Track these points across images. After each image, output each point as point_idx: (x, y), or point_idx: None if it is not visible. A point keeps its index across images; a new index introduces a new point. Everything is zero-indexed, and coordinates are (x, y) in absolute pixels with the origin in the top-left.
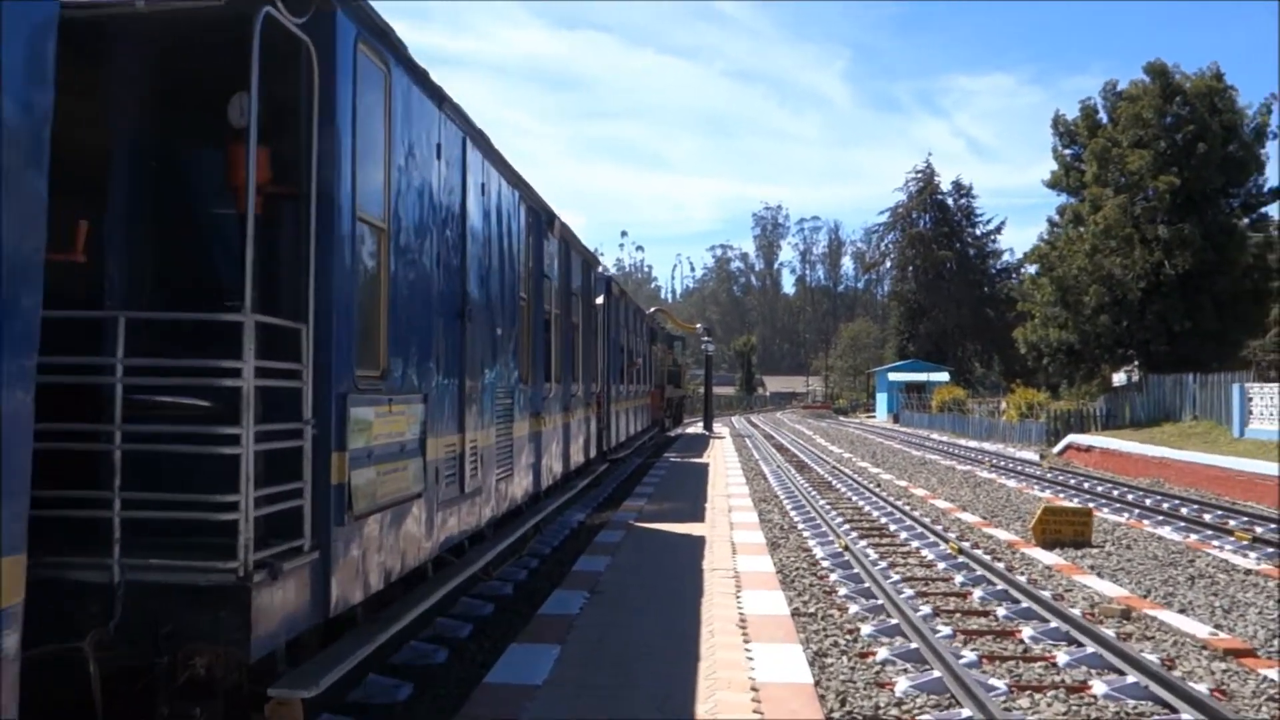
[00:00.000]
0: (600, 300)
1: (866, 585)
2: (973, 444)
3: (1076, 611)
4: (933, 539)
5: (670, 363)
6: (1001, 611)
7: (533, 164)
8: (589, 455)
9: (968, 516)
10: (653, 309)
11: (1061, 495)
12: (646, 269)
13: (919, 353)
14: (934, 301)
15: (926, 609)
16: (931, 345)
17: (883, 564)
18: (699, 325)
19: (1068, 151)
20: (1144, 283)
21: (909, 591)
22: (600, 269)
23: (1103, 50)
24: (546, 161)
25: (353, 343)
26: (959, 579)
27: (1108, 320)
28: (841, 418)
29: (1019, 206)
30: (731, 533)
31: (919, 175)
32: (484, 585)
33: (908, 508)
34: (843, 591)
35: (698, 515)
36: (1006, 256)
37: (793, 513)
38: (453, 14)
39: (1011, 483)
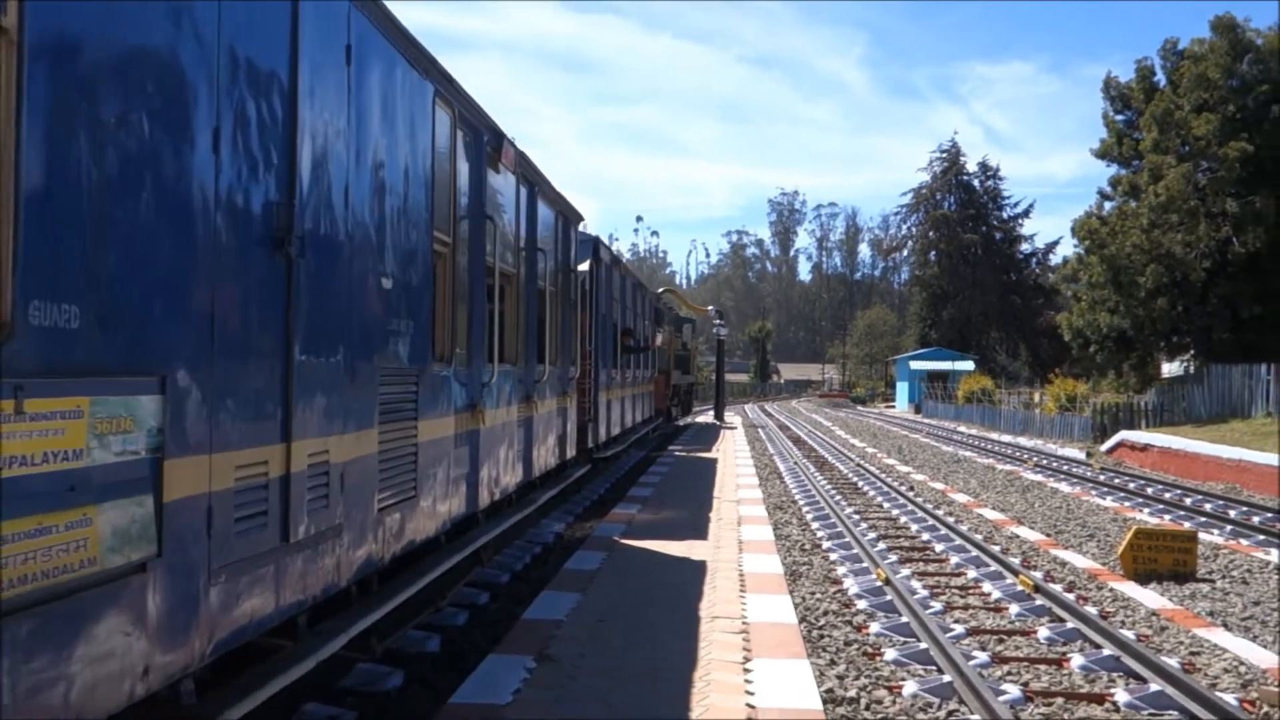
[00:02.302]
0: (585, 266)
1: (924, 647)
2: (1006, 439)
3: (1231, 699)
4: (993, 566)
5: (679, 347)
6: (1123, 698)
7: (544, 148)
8: (564, 456)
9: (1026, 533)
10: (661, 289)
11: (1128, 504)
12: (661, 254)
13: (941, 340)
14: (958, 287)
15: (1014, 690)
16: (955, 333)
17: (936, 604)
18: (710, 307)
19: (1120, 117)
20: (1208, 262)
21: (982, 656)
22: (584, 226)
23: (1121, 39)
24: (559, 146)
25: None
26: (1044, 634)
27: (1165, 304)
28: (860, 407)
29: (1037, 196)
30: (740, 556)
31: (944, 155)
32: (361, 668)
33: (951, 519)
34: (891, 657)
35: (700, 529)
36: (1039, 240)
37: (815, 525)
38: None
39: (1064, 486)
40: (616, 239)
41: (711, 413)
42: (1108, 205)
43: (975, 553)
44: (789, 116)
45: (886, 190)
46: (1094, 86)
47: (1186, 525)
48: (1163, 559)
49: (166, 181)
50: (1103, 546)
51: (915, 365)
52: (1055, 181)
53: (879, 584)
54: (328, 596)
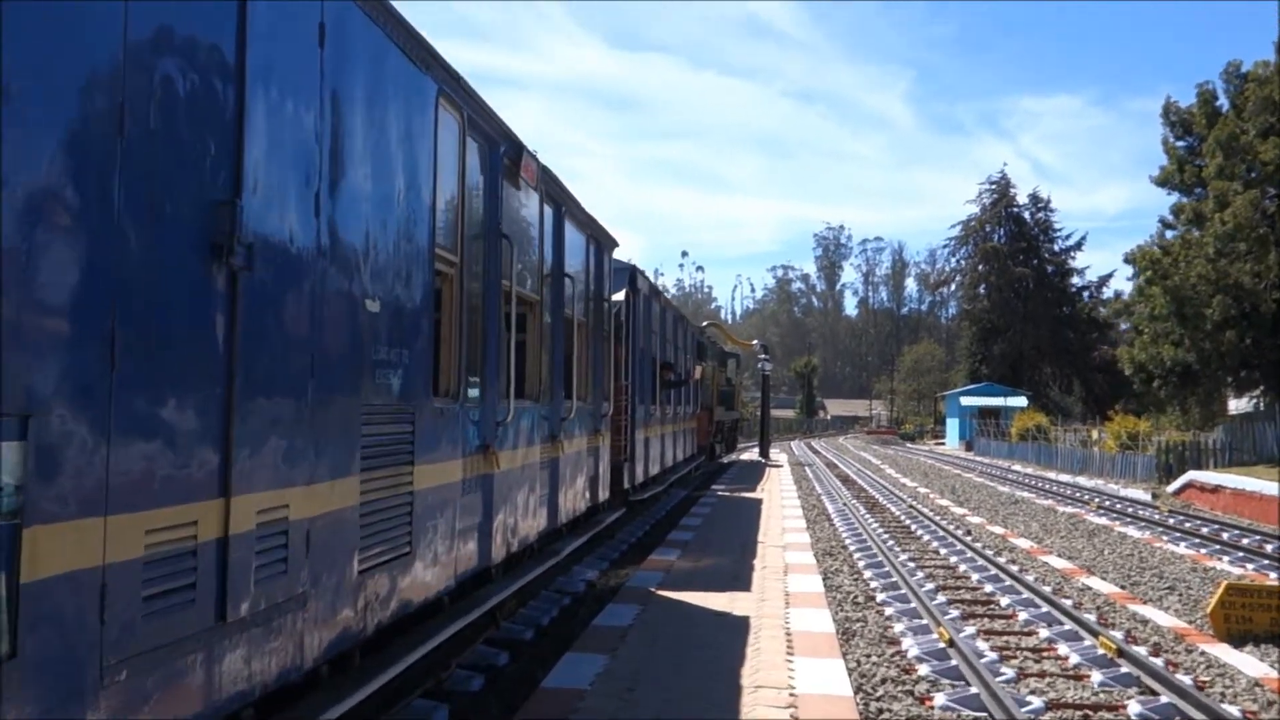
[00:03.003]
0: (620, 296)
1: None
2: (1065, 478)
3: None
4: (1067, 624)
5: (722, 382)
6: None
7: (590, 185)
8: (596, 499)
9: (1098, 584)
10: (705, 323)
11: (1204, 551)
12: (707, 289)
13: (993, 375)
14: (1009, 321)
15: None
16: (1006, 368)
17: (1007, 670)
18: (755, 342)
19: (1180, 144)
20: (1279, 293)
21: None
22: (622, 254)
23: (1168, 72)
24: (605, 182)
25: None
26: (1135, 709)
27: (1233, 336)
28: (909, 444)
29: (1086, 230)
30: (787, 610)
31: (994, 186)
32: None
33: (1015, 568)
34: None
35: (743, 578)
36: (1089, 274)
37: (867, 573)
38: (511, 32)
39: (1132, 531)
40: (662, 274)
41: (756, 450)
42: (1169, 234)
43: (1045, 608)
44: (833, 151)
45: (932, 225)
46: (1142, 120)
47: (1273, 576)
48: (1258, 618)
49: (40, 163)
50: (1185, 601)
51: (966, 401)
52: (1103, 215)
53: (941, 645)
54: (286, 682)
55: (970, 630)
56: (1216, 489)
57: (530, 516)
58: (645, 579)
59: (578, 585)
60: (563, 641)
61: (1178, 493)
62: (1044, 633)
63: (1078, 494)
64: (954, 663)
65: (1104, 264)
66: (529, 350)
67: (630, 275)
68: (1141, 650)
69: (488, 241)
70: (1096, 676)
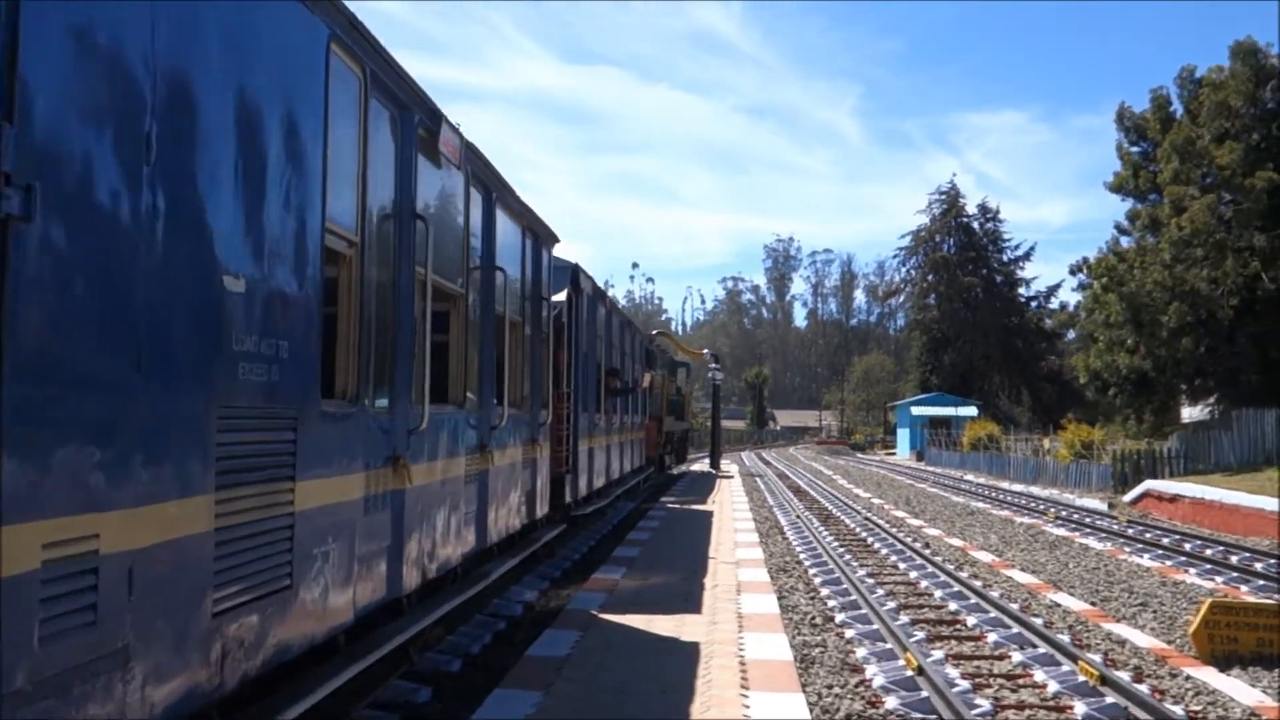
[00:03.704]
0: (561, 296)
1: None
2: (1018, 488)
3: None
4: (1041, 646)
5: (672, 392)
6: None
7: (544, 197)
8: (534, 515)
9: (1067, 600)
10: (655, 331)
11: (1170, 563)
12: (657, 301)
13: (943, 385)
14: (959, 331)
15: None
16: (957, 377)
17: (982, 702)
18: (706, 351)
19: (1135, 149)
20: (1236, 299)
21: None
22: (556, 249)
23: (1112, 89)
24: (556, 194)
25: None
26: None
27: (1189, 343)
28: (860, 454)
29: (1035, 242)
30: (740, 636)
31: (943, 196)
32: None
33: (979, 584)
34: None
35: (693, 599)
36: (1036, 285)
37: (825, 591)
38: (464, 46)
39: (1094, 542)
40: (613, 285)
41: (707, 461)
42: (1124, 240)
43: (1016, 628)
44: (784, 166)
45: (881, 238)
46: (1085, 136)
47: (1245, 590)
48: (1244, 638)
49: None
50: (1161, 619)
51: (917, 411)
52: (1048, 228)
53: (909, 673)
54: None
55: (938, 654)
56: (1175, 498)
57: (453, 537)
58: (587, 600)
59: (514, 608)
60: (494, 673)
61: (1134, 502)
62: (1017, 656)
63: (1033, 504)
64: (924, 694)
65: (1050, 276)
66: (452, 349)
67: (572, 274)
68: (1124, 675)
69: (399, 223)
70: (1080, 708)
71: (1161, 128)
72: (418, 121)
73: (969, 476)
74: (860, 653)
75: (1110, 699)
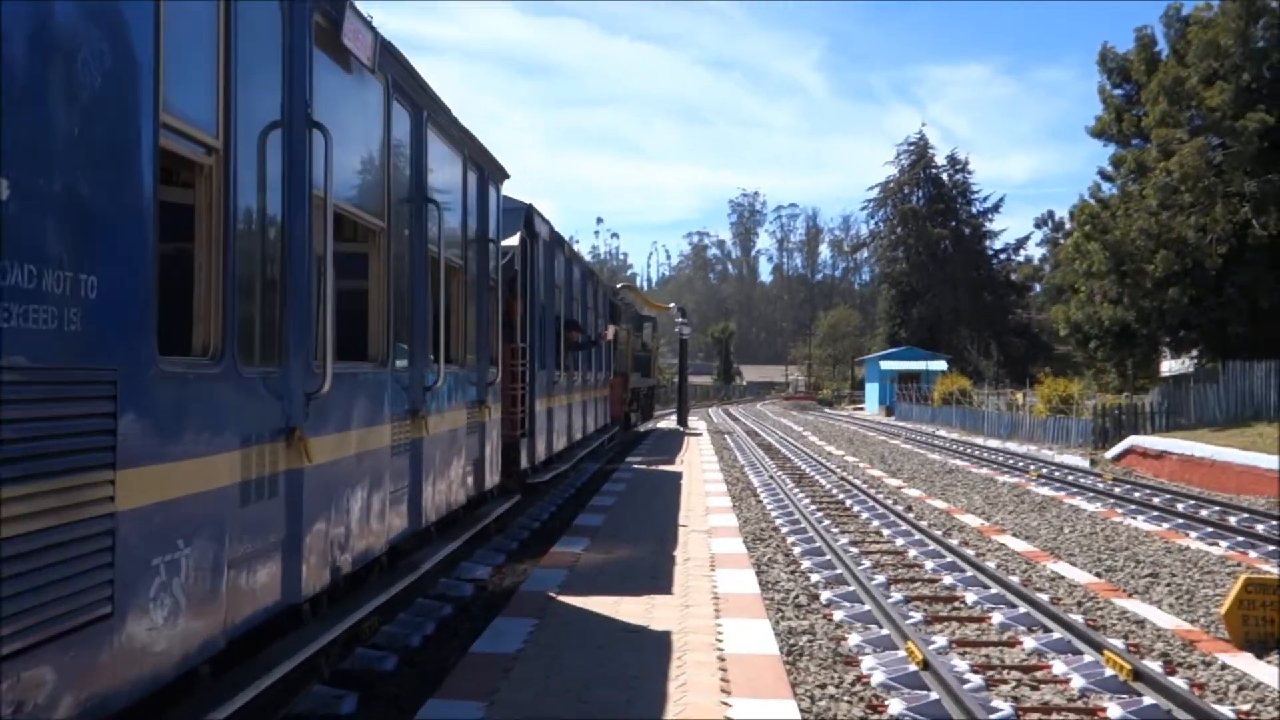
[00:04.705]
0: (514, 241)
1: None
2: (993, 444)
3: None
4: (1056, 631)
5: (638, 347)
6: None
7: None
8: (483, 486)
9: (1069, 571)
10: (620, 284)
11: (1168, 526)
12: (622, 256)
13: (912, 339)
14: (928, 284)
15: None
16: (925, 331)
17: (1002, 705)
18: (672, 305)
19: (1118, 91)
20: (1224, 248)
21: None
22: (507, 188)
23: (1075, 42)
24: (520, 148)
25: None
26: None
27: (1176, 294)
28: (828, 410)
29: (1003, 194)
30: (718, 622)
31: (912, 148)
32: None
33: (972, 553)
34: None
35: (663, 576)
36: (1004, 238)
37: (805, 563)
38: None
39: (1083, 503)
40: (577, 240)
41: (674, 418)
42: (1106, 187)
43: (1022, 606)
44: (748, 119)
45: (846, 192)
46: (1049, 90)
47: (1254, 555)
48: None
49: None
50: (1177, 594)
51: (886, 365)
52: (1011, 183)
53: (912, 667)
54: None
55: (940, 641)
56: (1161, 455)
57: (373, 523)
58: (545, 579)
59: (463, 589)
60: (432, 676)
61: (1117, 458)
62: (1029, 642)
63: (1012, 461)
64: (933, 695)
65: (1014, 231)
66: (372, 297)
67: (526, 216)
68: (1155, 666)
69: (288, 132)
70: (1114, 711)
71: (1146, 69)
72: (311, 6)
73: (941, 432)
74: (853, 640)
75: (1148, 699)
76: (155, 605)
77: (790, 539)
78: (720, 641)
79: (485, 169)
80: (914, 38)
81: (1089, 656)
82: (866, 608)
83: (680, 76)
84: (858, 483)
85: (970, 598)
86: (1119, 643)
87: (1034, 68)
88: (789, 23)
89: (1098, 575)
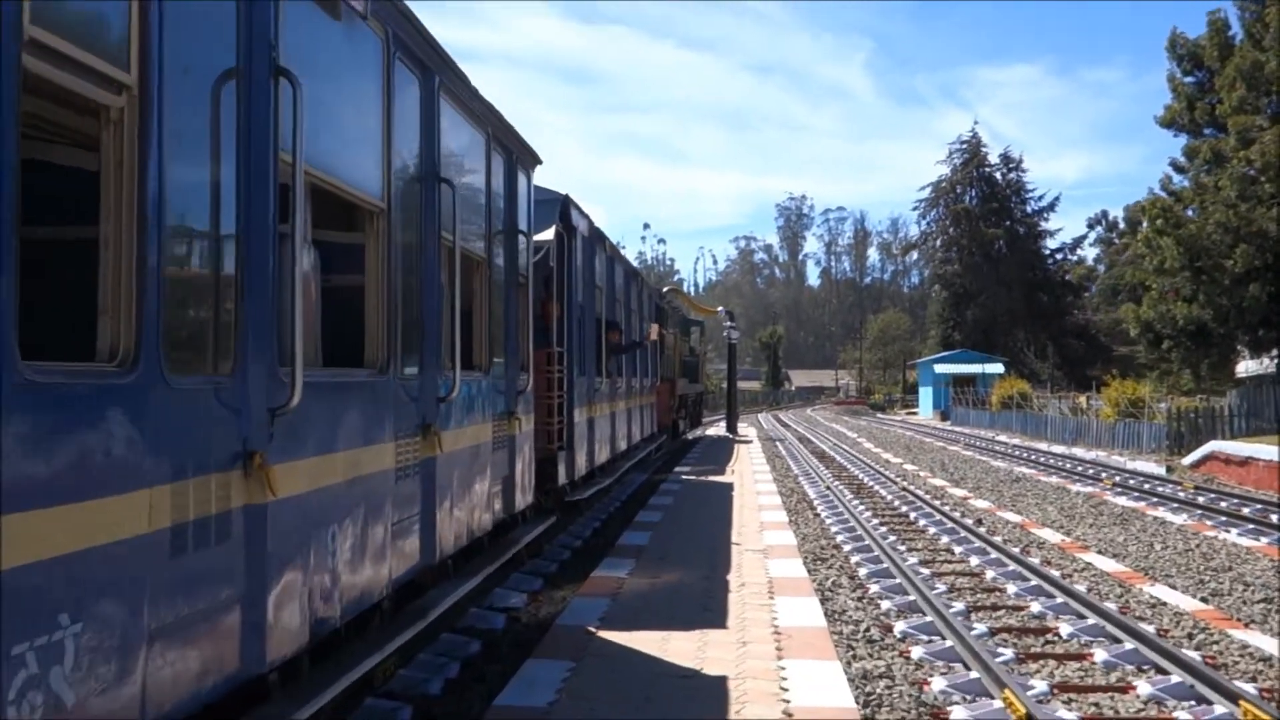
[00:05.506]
0: (548, 235)
1: None
2: (1059, 449)
3: None
4: (1174, 675)
5: (685, 352)
6: None
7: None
8: (513, 508)
9: (1169, 595)
10: (665, 287)
11: (1268, 541)
12: (669, 262)
13: (966, 342)
14: (982, 285)
15: None
16: (979, 333)
17: None
18: (720, 308)
19: (1189, 80)
20: None
21: None
22: (539, 177)
23: (1125, 42)
24: (564, 155)
25: None
26: None
27: (1256, 290)
28: (879, 415)
29: (1059, 192)
30: (780, 665)
31: (964, 146)
32: None
33: (1058, 574)
34: None
35: (715, 605)
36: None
37: (874, 589)
38: (467, 9)
39: (1169, 515)
40: (624, 247)
41: (723, 424)
42: (1177, 179)
43: (1130, 642)
44: (793, 124)
45: (893, 196)
46: (1098, 90)
47: None
48: None
49: None
50: None
51: (940, 369)
52: (1062, 183)
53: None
54: None
55: (1039, 686)
56: (1246, 461)
57: (368, 564)
58: (584, 610)
59: (494, 620)
60: None
61: (1196, 465)
62: (1144, 687)
63: (1081, 468)
64: None
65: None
66: (369, 291)
67: (561, 207)
68: None
69: (249, 83)
70: None
71: (1220, 54)
72: None
73: (1001, 437)
74: (938, 685)
75: None
76: (21, 709)
77: (854, 558)
78: (785, 690)
79: (513, 151)
80: (961, 39)
81: (1220, 708)
82: (949, 643)
83: (724, 81)
84: (920, 493)
85: (1065, 629)
86: (1250, 688)
87: (1083, 68)
88: (834, 25)
89: (1203, 600)
